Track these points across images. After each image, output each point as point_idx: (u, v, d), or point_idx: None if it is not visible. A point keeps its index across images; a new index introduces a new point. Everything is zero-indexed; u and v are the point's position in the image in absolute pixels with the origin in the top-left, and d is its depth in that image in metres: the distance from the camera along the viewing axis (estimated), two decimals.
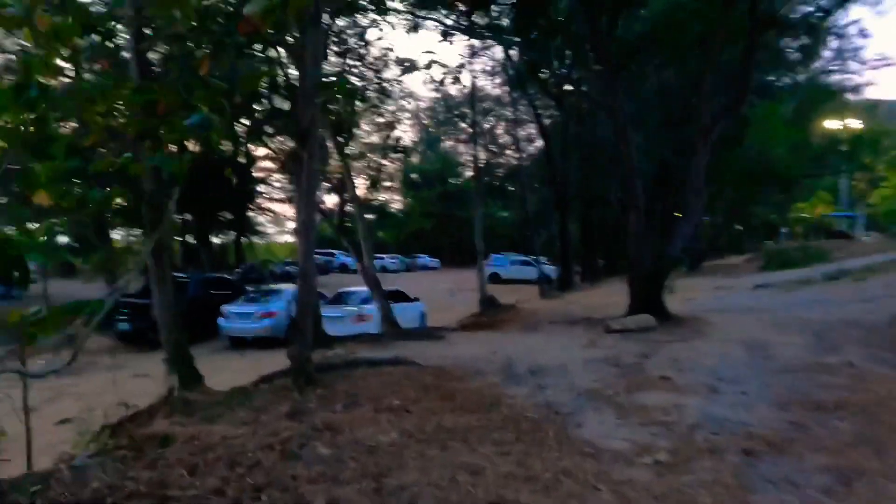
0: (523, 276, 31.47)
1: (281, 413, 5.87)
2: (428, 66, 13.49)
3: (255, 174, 34.57)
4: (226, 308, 15.62)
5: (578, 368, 7.85)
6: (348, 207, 30.24)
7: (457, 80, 15.15)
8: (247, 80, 5.58)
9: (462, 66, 13.32)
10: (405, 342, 10.27)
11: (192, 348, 15.79)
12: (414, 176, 55.84)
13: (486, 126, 49.01)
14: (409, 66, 14.14)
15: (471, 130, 15.83)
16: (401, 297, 16.37)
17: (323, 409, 5.90)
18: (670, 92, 24.25)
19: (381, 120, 13.44)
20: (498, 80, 25.37)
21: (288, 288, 16.18)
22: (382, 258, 42.22)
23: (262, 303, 15.70)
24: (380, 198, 57.15)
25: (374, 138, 30.37)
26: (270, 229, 51.39)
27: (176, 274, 19.10)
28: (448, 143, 55.26)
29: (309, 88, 9.67)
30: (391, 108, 51.47)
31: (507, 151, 37.01)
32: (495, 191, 53.11)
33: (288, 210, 45.37)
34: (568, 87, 22.09)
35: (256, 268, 30.23)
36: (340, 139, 11.86)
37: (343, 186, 13.34)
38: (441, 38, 16.45)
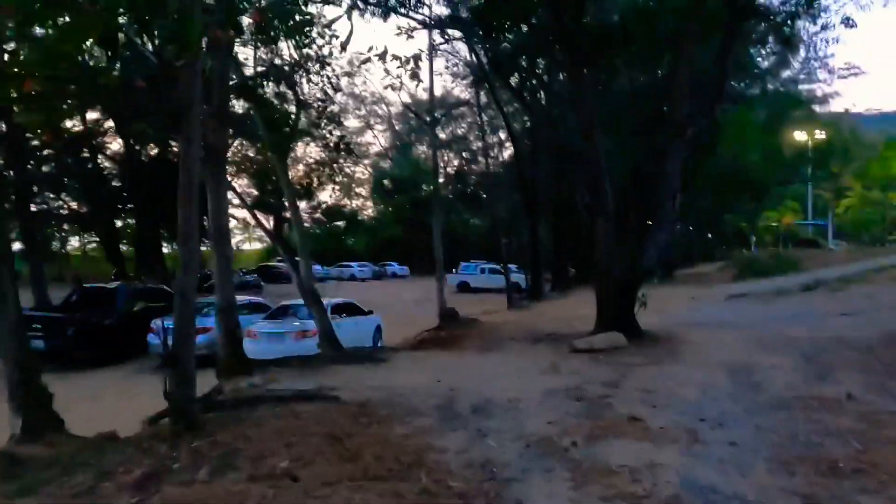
0: (493, 285, 30.06)
1: (128, 481, 4.33)
2: (381, 56, 12.07)
3: None
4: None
5: (533, 404, 6.41)
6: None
7: (415, 75, 13.71)
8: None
9: (418, 57, 11.74)
10: (341, 366, 8.76)
11: (117, 368, 14.18)
12: (385, 182, 54.37)
13: (456, 131, 47.91)
14: (362, 59, 12.66)
15: (433, 133, 14.53)
16: (354, 310, 14.81)
17: (184, 474, 4.37)
18: (642, 95, 23.21)
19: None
20: (464, 81, 24.06)
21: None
22: (352, 266, 40.56)
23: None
24: (350, 204, 55.67)
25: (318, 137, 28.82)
26: (238, 236, 49.46)
27: (103, 285, 17.34)
28: (421, 149, 54.04)
29: (219, 105, 8.23)
30: (361, 112, 49.93)
31: (479, 158, 35.81)
32: (467, 197, 51.96)
33: (250, 216, 43.56)
34: (532, 83, 20.81)
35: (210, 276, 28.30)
36: (273, 134, 10.34)
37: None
38: (399, 33, 14.99)
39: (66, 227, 35.35)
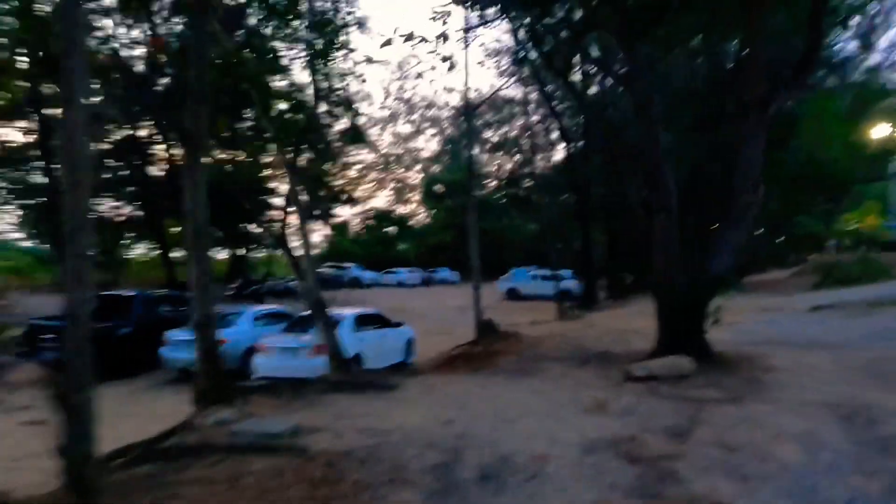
0: (544, 292, 27.94)
1: None
2: (407, 38, 10.49)
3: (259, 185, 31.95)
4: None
5: (566, 467, 4.55)
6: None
7: (446, 58, 12.07)
8: None
9: (446, 36, 10.06)
10: (339, 396, 7.12)
11: (128, 382, 13.11)
12: (436, 187, 53.01)
13: (505, 132, 46.03)
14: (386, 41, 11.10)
15: (469, 123, 12.76)
16: (380, 321, 13.22)
17: None
18: (704, 83, 20.71)
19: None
20: (503, 68, 21.98)
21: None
22: (399, 272, 39.22)
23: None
24: (402, 209, 54.60)
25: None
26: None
27: (121, 292, 16.46)
28: (473, 153, 52.33)
29: (196, 84, 6.81)
30: (413, 117, 48.87)
31: (531, 159, 33.79)
32: (518, 201, 49.85)
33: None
34: (580, 66, 18.62)
35: (254, 283, 27.42)
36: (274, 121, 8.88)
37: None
38: (434, 17, 13.20)
39: (125, 233, 35.56)
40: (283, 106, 9.16)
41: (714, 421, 5.82)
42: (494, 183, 54.13)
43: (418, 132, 51.41)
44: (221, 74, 7.84)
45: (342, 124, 11.99)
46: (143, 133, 27.29)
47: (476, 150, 50.66)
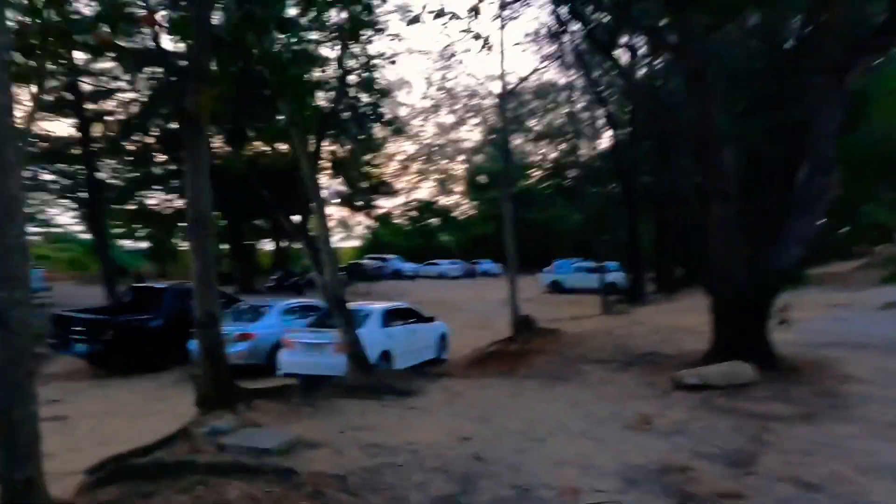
0: (589, 285, 26.70)
1: None
2: (438, 15, 9.68)
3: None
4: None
5: None
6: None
7: (479, 37, 11.18)
8: None
9: (477, 10, 9.18)
10: (351, 401, 6.43)
11: (156, 376, 12.86)
12: (479, 178, 52.02)
13: (549, 120, 44.61)
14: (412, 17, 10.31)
15: (503, 105, 11.74)
16: (411, 316, 12.50)
17: None
18: (762, 60, 19.03)
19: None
20: (545, 51, 20.71)
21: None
22: (441, 263, 38.55)
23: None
24: (446, 201, 53.89)
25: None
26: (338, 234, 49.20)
27: (153, 284, 16.32)
28: (516, 142, 51.15)
29: (195, 61, 6.19)
30: (455, 107, 47.91)
31: (572, 146, 32.44)
32: (563, 191, 48.34)
33: (342, 212, 42.85)
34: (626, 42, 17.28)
35: (294, 274, 27.22)
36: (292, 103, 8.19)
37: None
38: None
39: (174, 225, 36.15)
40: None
41: (784, 445, 4.82)
42: (538, 173, 52.79)
43: (461, 122, 50.55)
44: (232, 53, 7.24)
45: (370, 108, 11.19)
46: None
47: (516, 138, 49.51)
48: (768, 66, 20.16)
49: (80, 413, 9.63)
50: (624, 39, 14.51)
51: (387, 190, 39.72)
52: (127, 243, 43.62)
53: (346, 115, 23.06)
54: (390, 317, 11.59)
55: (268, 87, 8.46)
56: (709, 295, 8.04)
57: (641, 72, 20.87)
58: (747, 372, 6.92)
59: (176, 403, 10.37)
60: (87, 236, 35.60)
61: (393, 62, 11.18)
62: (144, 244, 42.09)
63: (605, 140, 32.01)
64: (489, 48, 12.35)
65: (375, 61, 11.45)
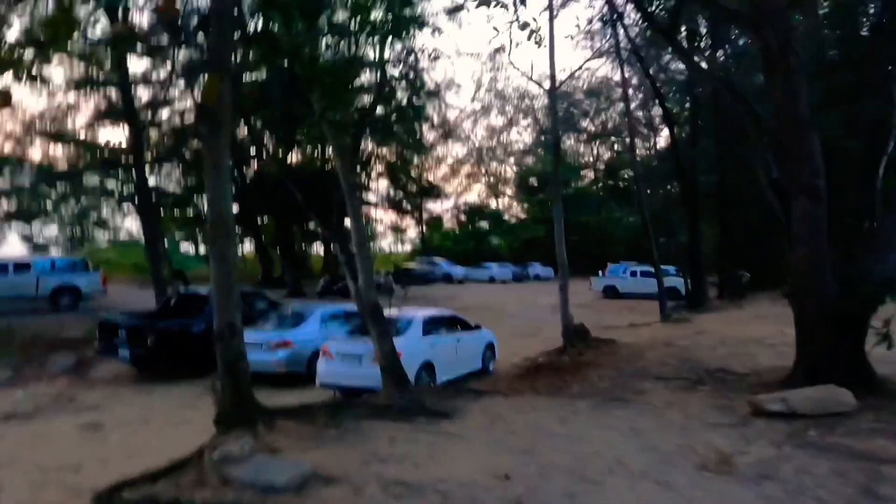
0: (645, 290, 25.26)
1: None
2: (482, 3, 9.00)
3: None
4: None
5: None
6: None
7: (525, 26, 10.38)
8: None
9: None
10: (380, 423, 5.74)
11: (196, 382, 12.59)
12: (531, 179, 50.91)
13: (603, 119, 43.02)
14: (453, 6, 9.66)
15: (552, 99, 10.76)
16: (455, 324, 11.77)
17: None
18: (837, 50, 17.42)
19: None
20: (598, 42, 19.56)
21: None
22: (490, 267, 37.66)
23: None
24: (497, 204, 52.97)
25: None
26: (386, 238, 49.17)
27: (198, 290, 16.19)
28: (568, 143, 49.76)
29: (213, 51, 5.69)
30: (507, 109, 46.93)
31: (627, 146, 30.98)
32: (619, 192, 46.61)
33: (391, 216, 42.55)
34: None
35: (341, 279, 26.96)
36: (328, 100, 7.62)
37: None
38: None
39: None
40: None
41: None
42: (592, 174, 51.16)
43: (511, 124, 49.60)
44: (260, 43, 6.77)
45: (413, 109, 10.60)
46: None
47: (568, 138, 48.11)
48: (843, 55, 18.45)
49: (116, 420, 9.40)
50: (685, 27, 13.30)
51: (436, 193, 39.30)
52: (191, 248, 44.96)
53: (392, 116, 22.69)
54: (432, 325, 10.91)
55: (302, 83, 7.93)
56: (792, 306, 6.93)
57: (705, 60, 19.47)
58: (844, 399, 5.82)
59: (209, 412, 10.05)
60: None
61: (436, 58, 10.56)
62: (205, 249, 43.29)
63: (662, 139, 30.46)
64: (538, 39, 11.56)
65: (418, 57, 10.84)
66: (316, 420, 5.86)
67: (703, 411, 6.19)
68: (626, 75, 22.50)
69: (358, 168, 29.71)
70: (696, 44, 16.23)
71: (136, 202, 18.25)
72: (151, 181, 21.79)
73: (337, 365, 9.94)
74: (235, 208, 31.70)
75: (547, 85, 11.46)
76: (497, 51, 10.30)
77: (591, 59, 15.36)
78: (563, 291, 11.66)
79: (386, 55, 9.17)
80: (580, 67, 12.51)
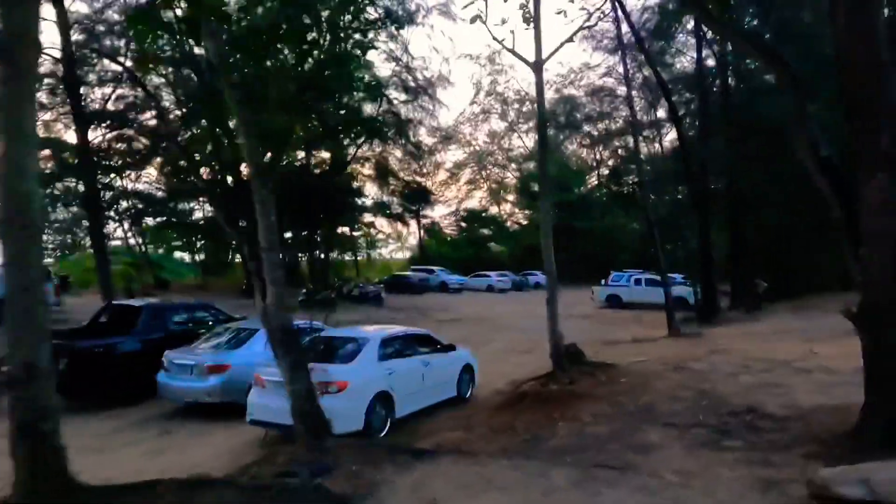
0: (651, 300, 23.10)
1: None
2: None
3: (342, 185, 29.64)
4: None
5: None
6: None
7: (528, 19, 8.48)
8: None
9: None
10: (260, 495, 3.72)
11: (126, 412, 10.58)
12: (533, 185, 48.79)
13: (610, 126, 40.90)
14: None
15: (538, 78, 8.84)
16: (427, 344, 9.69)
17: None
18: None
19: None
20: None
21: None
22: (489, 276, 35.55)
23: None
24: (498, 210, 50.90)
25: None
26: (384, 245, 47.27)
27: (131, 301, 14.18)
28: (570, 149, 47.74)
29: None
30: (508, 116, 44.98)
31: (631, 150, 28.93)
32: (622, 197, 44.41)
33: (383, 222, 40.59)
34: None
35: (337, 286, 25.03)
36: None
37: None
38: None
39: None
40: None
41: None
42: (595, 180, 49.03)
43: (512, 128, 47.62)
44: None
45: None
46: None
47: (572, 142, 45.98)
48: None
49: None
50: None
51: (432, 198, 37.27)
52: (184, 256, 43.23)
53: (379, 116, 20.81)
54: (393, 346, 8.82)
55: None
56: (860, 330, 4.82)
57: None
58: None
59: (119, 452, 8.07)
60: (140, 249, 35.22)
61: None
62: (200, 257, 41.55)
63: (668, 141, 28.38)
64: (527, 14, 9.60)
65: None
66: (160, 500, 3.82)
67: (738, 491, 4.09)
68: (629, 68, 20.50)
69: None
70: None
71: (84, 204, 16.47)
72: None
73: (271, 397, 7.83)
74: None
75: (532, 59, 9.40)
76: (474, 19, 8.37)
77: (582, 29, 13.23)
78: (552, 305, 9.55)
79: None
80: (570, 38, 10.57)
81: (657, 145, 29.03)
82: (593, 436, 5.92)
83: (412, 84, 25.23)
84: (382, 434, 7.95)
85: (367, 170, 31.40)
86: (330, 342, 8.82)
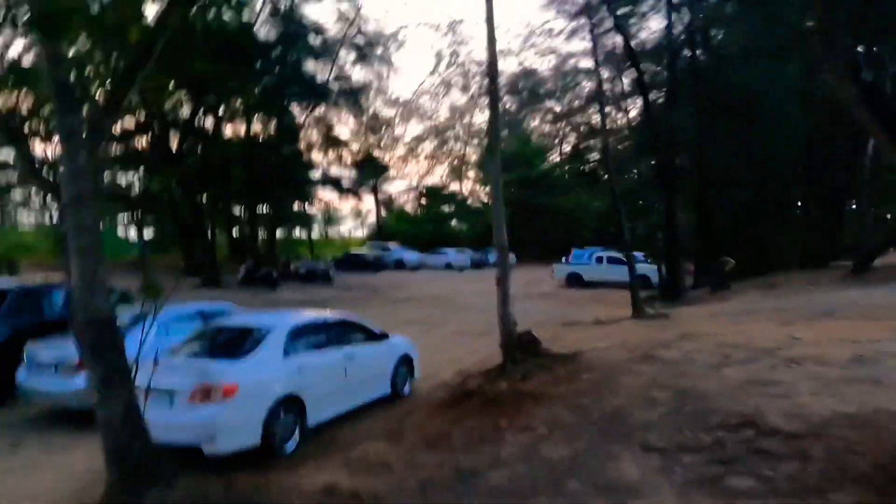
0: (614, 278, 21.89)
1: None
2: None
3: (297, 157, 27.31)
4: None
5: None
6: None
7: None
8: None
9: None
10: None
11: None
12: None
13: (573, 102, 39.35)
14: None
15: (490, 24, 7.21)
16: (352, 332, 7.95)
17: None
18: None
19: None
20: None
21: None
22: (447, 252, 33.90)
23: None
24: (460, 187, 49.18)
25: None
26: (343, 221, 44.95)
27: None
28: (533, 125, 46.12)
29: None
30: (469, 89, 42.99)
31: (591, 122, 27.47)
32: (584, 176, 43.27)
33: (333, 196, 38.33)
34: None
35: (284, 263, 22.96)
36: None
37: None
38: None
39: None
40: None
41: None
42: (558, 157, 47.71)
43: (474, 103, 45.66)
44: None
45: None
46: None
47: (533, 119, 44.38)
48: None
49: None
50: None
51: (389, 173, 35.24)
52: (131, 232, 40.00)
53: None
54: (305, 337, 6.98)
55: None
56: None
57: None
58: None
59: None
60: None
61: None
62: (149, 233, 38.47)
63: (636, 112, 26.97)
64: None
65: None
66: None
67: None
68: (594, 34, 18.82)
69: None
70: None
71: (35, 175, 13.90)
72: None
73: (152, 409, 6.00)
74: None
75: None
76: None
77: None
78: (503, 285, 7.92)
79: None
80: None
81: (623, 116, 27.64)
82: (548, 464, 4.31)
83: (362, 44, 23.02)
84: (290, 447, 6.23)
85: (318, 139, 28.99)
86: (220, 333, 6.97)
